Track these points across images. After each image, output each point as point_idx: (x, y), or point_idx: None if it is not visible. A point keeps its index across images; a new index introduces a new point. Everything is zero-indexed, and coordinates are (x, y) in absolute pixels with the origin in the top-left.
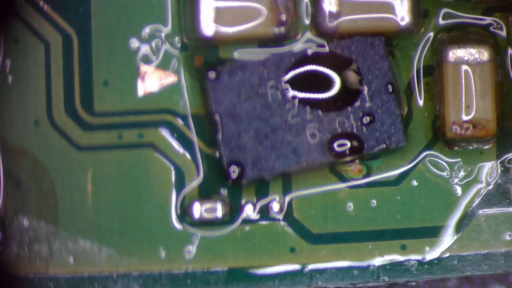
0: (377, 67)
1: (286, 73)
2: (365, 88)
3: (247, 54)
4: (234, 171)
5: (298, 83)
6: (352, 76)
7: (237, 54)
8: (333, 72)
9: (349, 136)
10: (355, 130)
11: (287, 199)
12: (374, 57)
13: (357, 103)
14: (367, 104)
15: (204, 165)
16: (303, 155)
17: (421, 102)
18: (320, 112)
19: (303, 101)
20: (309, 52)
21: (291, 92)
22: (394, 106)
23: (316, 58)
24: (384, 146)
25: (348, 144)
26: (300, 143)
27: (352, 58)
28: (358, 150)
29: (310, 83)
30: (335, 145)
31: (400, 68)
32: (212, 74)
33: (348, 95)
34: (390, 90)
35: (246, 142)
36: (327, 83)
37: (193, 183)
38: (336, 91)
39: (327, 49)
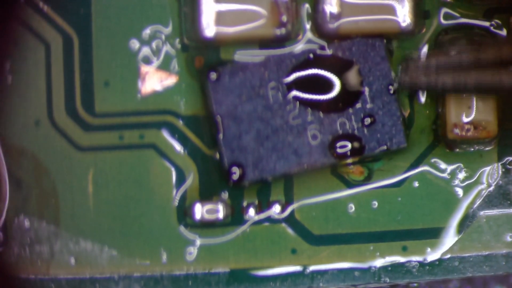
0: (378, 68)
1: (288, 74)
2: (366, 89)
3: (247, 55)
4: (235, 173)
5: (299, 84)
6: (353, 78)
7: (237, 56)
8: (334, 74)
9: (350, 137)
10: (356, 131)
11: (289, 208)
12: (375, 58)
13: (358, 104)
14: (368, 105)
15: (205, 166)
16: (304, 156)
17: (422, 103)
18: (321, 113)
19: (304, 102)
20: (311, 54)
21: (292, 93)
22: (395, 107)
23: (317, 60)
24: (385, 147)
25: (349, 145)
26: (301, 144)
27: (353, 59)
28: (359, 152)
29: (312, 85)
30: (336, 146)
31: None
32: (213, 75)
33: (349, 96)
34: (391, 91)
35: (247, 143)
36: (328, 85)
37: (193, 183)
38: (337, 93)
39: (328, 51)
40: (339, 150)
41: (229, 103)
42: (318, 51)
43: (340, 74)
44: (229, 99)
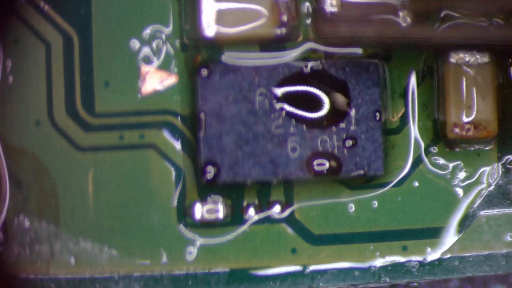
0: (368, 92)
1: (279, 84)
2: (353, 111)
3: (245, 58)
4: (209, 172)
5: (288, 97)
6: (341, 98)
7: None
8: (324, 93)
9: (329, 156)
10: (336, 151)
11: (289, 207)
12: (367, 82)
13: (342, 125)
14: (352, 127)
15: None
16: (280, 167)
17: (421, 104)
18: (304, 126)
19: (289, 114)
20: (305, 70)
21: (279, 104)
22: (378, 134)
23: (309, 74)
24: (362, 172)
25: (327, 164)
26: (279, 154)
27: (345, 79)
28: (336, 172)
29: (300, 100)
30: (314, 163)
31: (400, 70)
32: (204, 72)
33: (335, 115)
34: (378, 118)
35: (226, 144)
36: (317, 103)
37: (192, 183)
38: (325, 113)
39: (321, 66)
40: (316, 168)
41: (215, 102)
42: (310, 64)
43: (329, 92)
44: (215, 98)
